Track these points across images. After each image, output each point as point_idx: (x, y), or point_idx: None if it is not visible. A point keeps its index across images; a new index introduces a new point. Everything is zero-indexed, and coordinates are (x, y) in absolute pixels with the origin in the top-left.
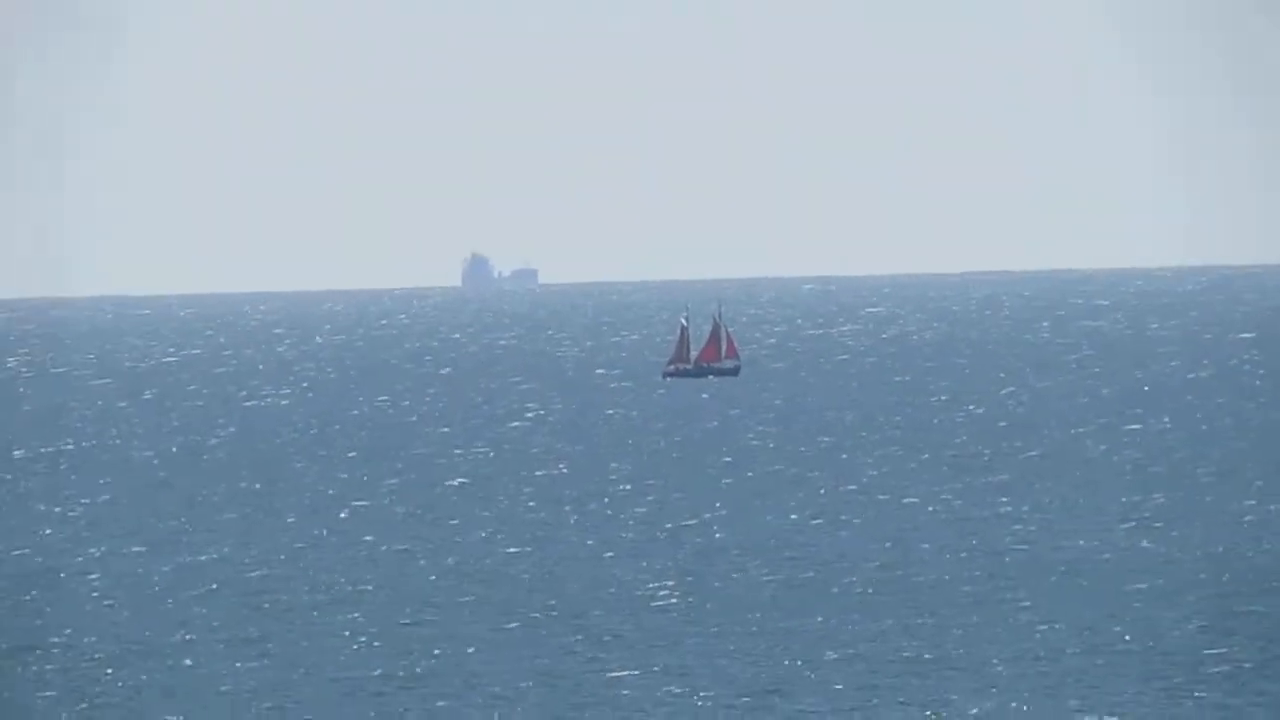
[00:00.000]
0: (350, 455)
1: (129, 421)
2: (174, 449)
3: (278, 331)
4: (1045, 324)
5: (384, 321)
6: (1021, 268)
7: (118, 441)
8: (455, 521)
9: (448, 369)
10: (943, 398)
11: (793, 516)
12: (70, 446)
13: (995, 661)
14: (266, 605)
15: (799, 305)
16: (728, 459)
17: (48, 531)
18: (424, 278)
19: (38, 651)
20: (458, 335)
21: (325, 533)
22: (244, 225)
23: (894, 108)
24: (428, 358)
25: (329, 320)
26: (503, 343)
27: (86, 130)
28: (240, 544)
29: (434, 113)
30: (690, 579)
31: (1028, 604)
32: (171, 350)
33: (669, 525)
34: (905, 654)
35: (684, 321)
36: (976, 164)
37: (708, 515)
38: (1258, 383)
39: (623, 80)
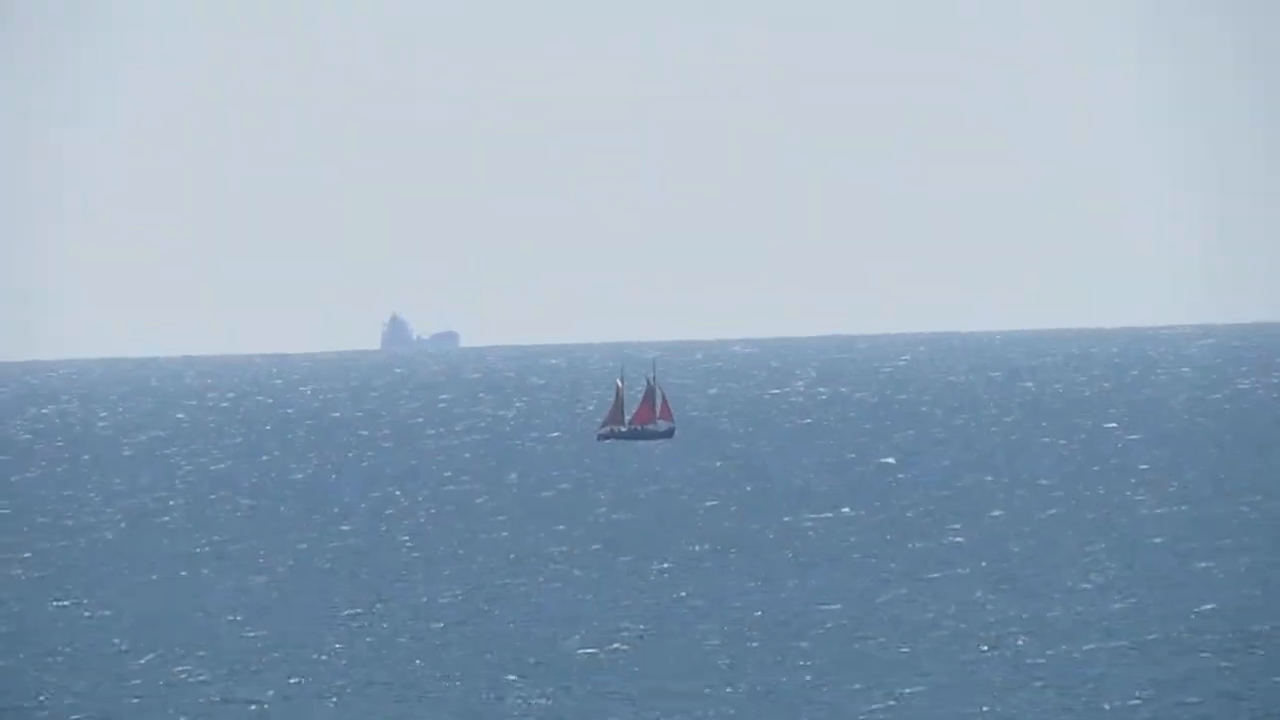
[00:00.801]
0: (293, 517)
1: (71, 484)
2: (120, 514)
3: (211, 395)
4: (997, 374)
5: (308, 388)
6: (973, 328)
7: (61, 504)
8: (406, 584)
9: (385, 430)
10: (887, 460)
11: (746, 579)
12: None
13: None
14: (227, 670)
15: (729, 368)
16: (675, 523)
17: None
18: (342, 341)
19: None
20: (390, 397)
21: (275, 593)
22: (155, 288)
23: (824, 163)
24: (360, 421)
25: (252, 383)
26: (441, 404)
27: None
28: (195, 605)
29: (353, 173)
30: (647, 640)
31: (992, 660)
32: (103, 415)
33: (620, 588)
34: (873, 712)
35: (619, 383)
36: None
37: (662, 578)
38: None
39: (543, 142)
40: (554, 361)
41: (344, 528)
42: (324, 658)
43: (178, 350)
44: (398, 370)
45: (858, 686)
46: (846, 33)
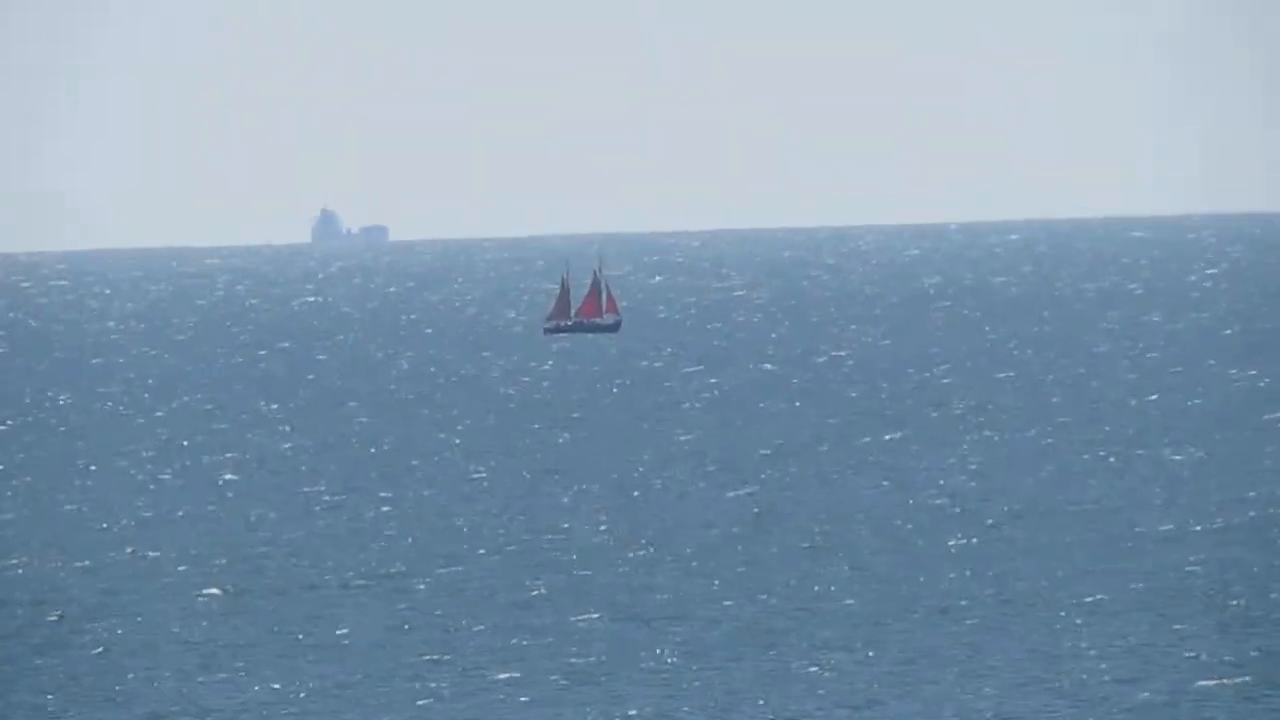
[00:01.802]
0: (273, 415)
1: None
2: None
3: (153, 289)
4: (936, 278)
5: (239, 283)
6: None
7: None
8: (390, 490)
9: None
10: (838, 353)
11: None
12: None
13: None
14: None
15: (668, 261)
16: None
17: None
18: (272, 234)
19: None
20: (336, 290)
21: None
22: (90, 180)
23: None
24: (307, 313)
25: (193, 278)
26: (392, 294)
27: None
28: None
29: (287, 69)
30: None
31: (961, 552)
32: (60, 311)
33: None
34: (854, 601)
35: (564, 277)
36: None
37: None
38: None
39: (477, 37)
40: (489, 256)
41: (319, 415)
42: (312, 566)
43: (107, 243)
44: (336, 265)
45: (834, 583)
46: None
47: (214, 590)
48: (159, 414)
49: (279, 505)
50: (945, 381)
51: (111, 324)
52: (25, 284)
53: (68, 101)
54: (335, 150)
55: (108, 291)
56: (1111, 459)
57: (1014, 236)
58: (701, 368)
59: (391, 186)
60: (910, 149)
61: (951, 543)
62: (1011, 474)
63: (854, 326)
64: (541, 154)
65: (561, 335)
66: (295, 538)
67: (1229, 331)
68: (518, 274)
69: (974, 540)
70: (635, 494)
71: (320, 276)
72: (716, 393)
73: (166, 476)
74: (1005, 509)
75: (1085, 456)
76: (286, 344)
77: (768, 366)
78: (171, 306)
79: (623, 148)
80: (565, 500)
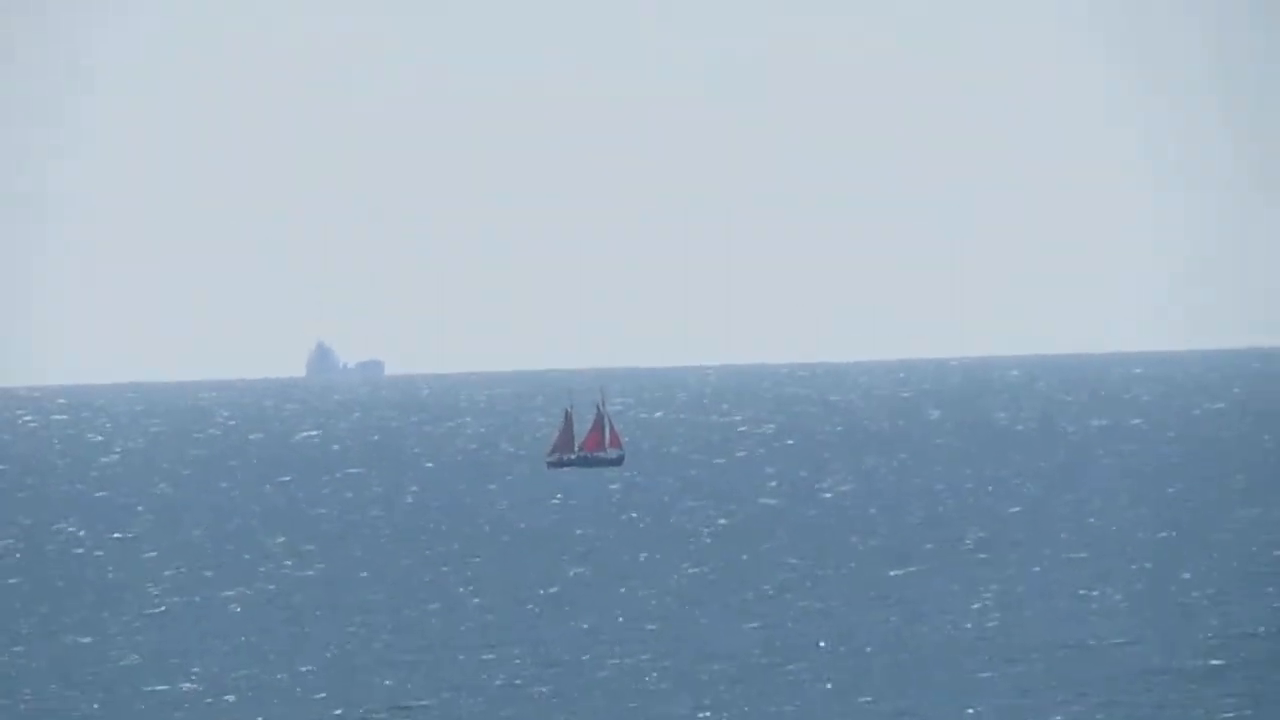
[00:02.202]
0: (276, 544)
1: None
2: (99, 541)
3: (153, 424)
4: (935, 413)
5: (231, 418)
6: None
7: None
8: (383, 613)
9: (348, 459)
10: (844, 489)
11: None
12: None
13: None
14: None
15: (662, 396)
16: (638, 549)
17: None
18: (268, 368)
19: None
20: (336, 424)
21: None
22: (88, 314)
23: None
24: (311, 444)
25: (194, 411)
26: (394, 427)
27: None
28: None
29: (279, 201)
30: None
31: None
32: (54, 441)
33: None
34: None
35: (568, 410)
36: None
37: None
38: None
39: (471, 169)
40: (487, 391)
41: (322, 547)
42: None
43: (104, 378)
44: (336, 397)
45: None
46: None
47: None
48: (165, 547)
49: (287, 638)
50: (950, 515)
51: (115, 457)
52: (28, 418)
53: (59, 234)
54: (329, 284)
55: (108, 425)
56: (1119, 595)
57: (1014, 372)
58: (706, 501)
59: (386, 320)
60: (909, 285)
61: (964, 677)
62: (1023, 608)
63: (860, 460)
64: (538, 289)
65: (565, 468)
66: (305, 670)
67: (1236, 467)
68: (515, 408)
69: (987, 675)
70: (648, 627)
71: (318, 409)
72: (722, 525)
73: (175, 609)
74: (1018, 643)
75: (1095, 592)
76: (288, 477)
77: (770, 501)
78: (172, 441)
79: (620, 284)
80: (575, 632)
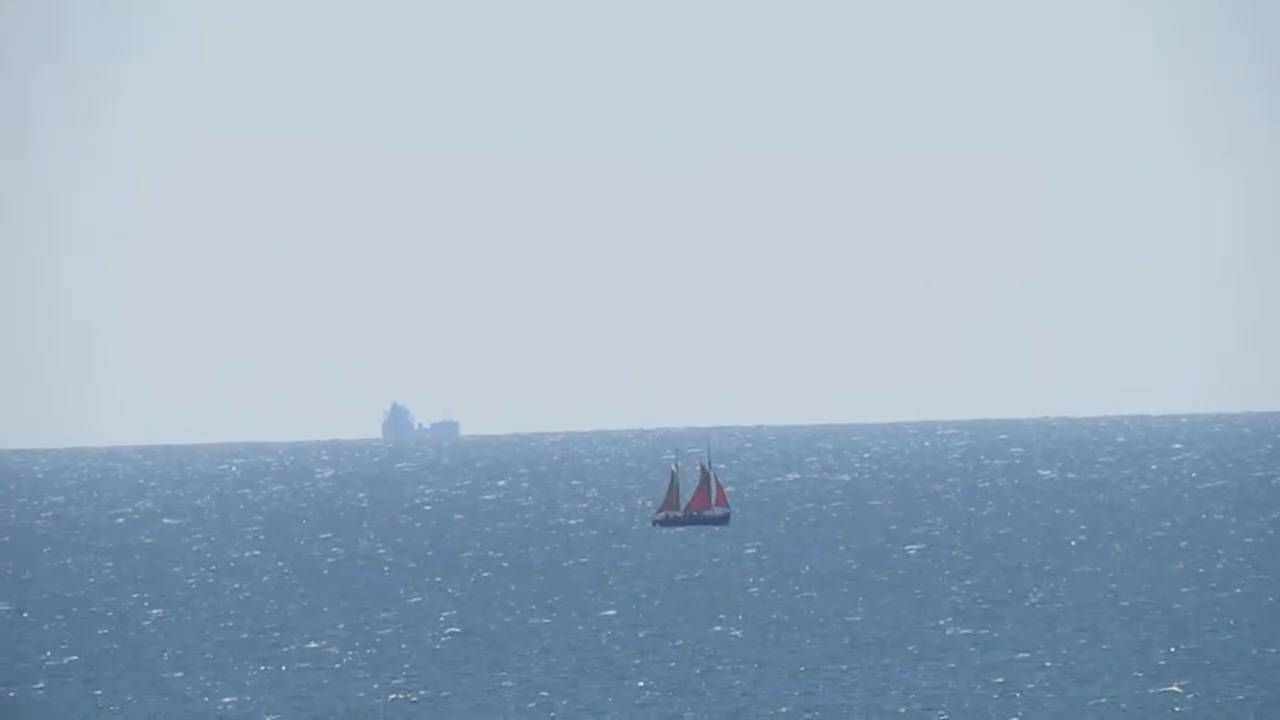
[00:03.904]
0: (342, 605)
1: (112, 573)
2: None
3: (243, 486)
4: (1047, 472)
5: (329, 473)
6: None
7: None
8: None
9: (429, 519)
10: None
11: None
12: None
13: None
14: None
15: (747, 453)
16: (731, 609)
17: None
18: (343, 429)
19: None
20: (420, 486)
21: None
22: (152, 376)
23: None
24: (399, 507)
25: (267, 472)
26: (486, 495)
27: None
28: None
29: (351, 259)
30: None
31: None
32: (128, 508)
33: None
34: None
35: (674, 468)
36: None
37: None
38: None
39: (544, 226)
40: (561, 449)
41: (399, 612)
42: None
43: (173, 439)
44: (406, 461)
45: None
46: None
47: None
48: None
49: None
50: (1022, 573)
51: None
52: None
53: (131, 305)
54: (403, 344)
55: (202, 493)
56: (1183, 683)
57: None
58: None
59: (460, 380)
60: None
61: None
62: (1097, 670)
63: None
64: (614, 348)
65: (672, 526)
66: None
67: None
68: (598, 468)
69: None
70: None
71: (407, 470)
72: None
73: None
74: (1089, 703)
75: (1172, 649)
76: (400, 538)
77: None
78: (273, 501)
79: (698, 342)
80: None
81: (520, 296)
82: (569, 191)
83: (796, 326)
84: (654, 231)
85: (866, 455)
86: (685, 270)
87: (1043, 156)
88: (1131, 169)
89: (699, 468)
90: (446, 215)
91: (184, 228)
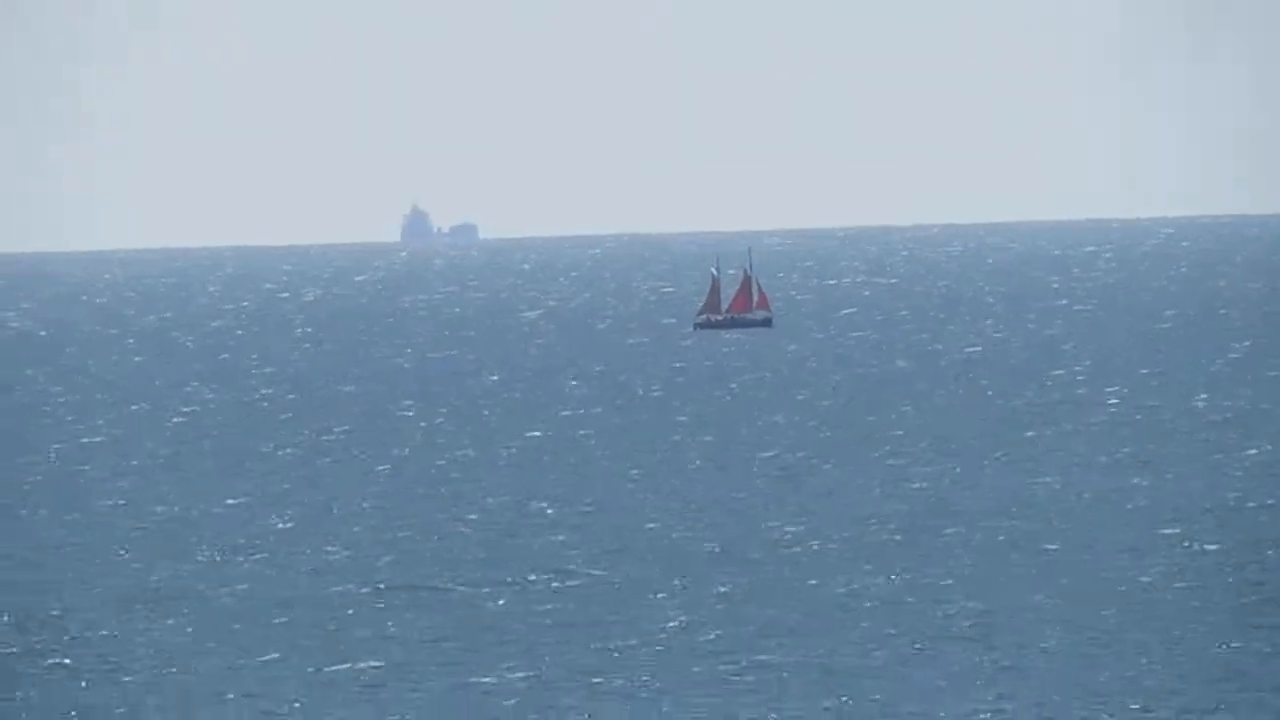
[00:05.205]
0: (403, 408)
1: (126, 381)
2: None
3: (268, 286)
4: (1055, 279)
5: (361, 277)
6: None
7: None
8: (507, 480)
9: (458, 324)
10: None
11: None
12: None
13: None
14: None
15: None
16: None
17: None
18: (361, 232)
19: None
20: (451, 289)
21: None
22: (179, 179)
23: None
24: (422, 312)
25: (294, 277)
26: (506, 295)
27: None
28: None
29: (373, 64)
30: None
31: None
32: (159, 307)
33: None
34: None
35: (715, 272)
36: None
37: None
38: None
39: (565, 28)
40: (594, 252)
41: (450, 414)
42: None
43: (196, 241)
44: (443, 262)
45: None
46: None
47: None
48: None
49: (440, 502)
50: (1084, 379)
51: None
52: (117, 280)
53: (153, 98)
54: (422, 146)
55: (213, 289)
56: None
57: (1090, 247)
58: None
59: (479, 183)
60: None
61: (1129, 538)
62: (1177, 472)
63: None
64: (632, 149)
65: (713, 329)
66: (440, 524)
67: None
68: (624, 271)
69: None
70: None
71: (428, 275)
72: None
73: (331, 465)
74: (1171, 508)
75: (1253, 451)
76: (424, 342)
77: (901, 363)
78: (286, 304)
79: (725, 143)
80: (726, 494)
81: (540, 98)
82: None
83: (831, 130)
84: (687, 26)
85: (908, 257)
86: (711, 70)
87: None
88: None
89: (742, 271)
90: (463, 16)
91: (202, 27)
